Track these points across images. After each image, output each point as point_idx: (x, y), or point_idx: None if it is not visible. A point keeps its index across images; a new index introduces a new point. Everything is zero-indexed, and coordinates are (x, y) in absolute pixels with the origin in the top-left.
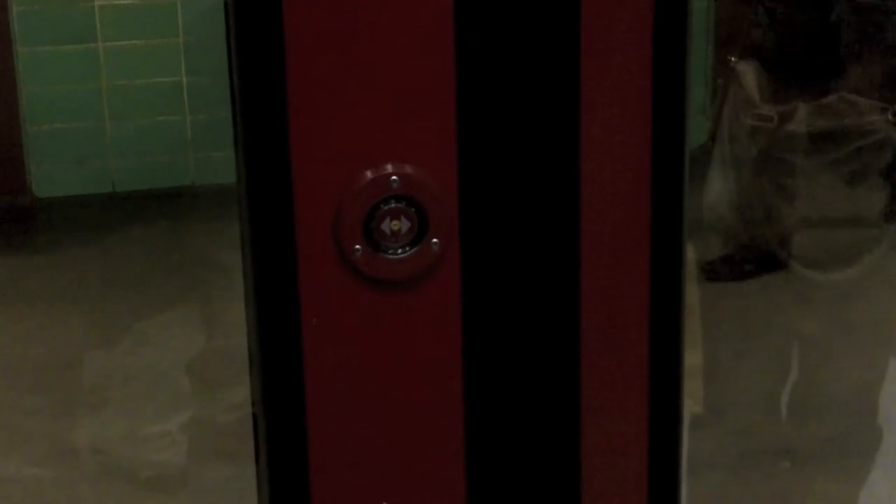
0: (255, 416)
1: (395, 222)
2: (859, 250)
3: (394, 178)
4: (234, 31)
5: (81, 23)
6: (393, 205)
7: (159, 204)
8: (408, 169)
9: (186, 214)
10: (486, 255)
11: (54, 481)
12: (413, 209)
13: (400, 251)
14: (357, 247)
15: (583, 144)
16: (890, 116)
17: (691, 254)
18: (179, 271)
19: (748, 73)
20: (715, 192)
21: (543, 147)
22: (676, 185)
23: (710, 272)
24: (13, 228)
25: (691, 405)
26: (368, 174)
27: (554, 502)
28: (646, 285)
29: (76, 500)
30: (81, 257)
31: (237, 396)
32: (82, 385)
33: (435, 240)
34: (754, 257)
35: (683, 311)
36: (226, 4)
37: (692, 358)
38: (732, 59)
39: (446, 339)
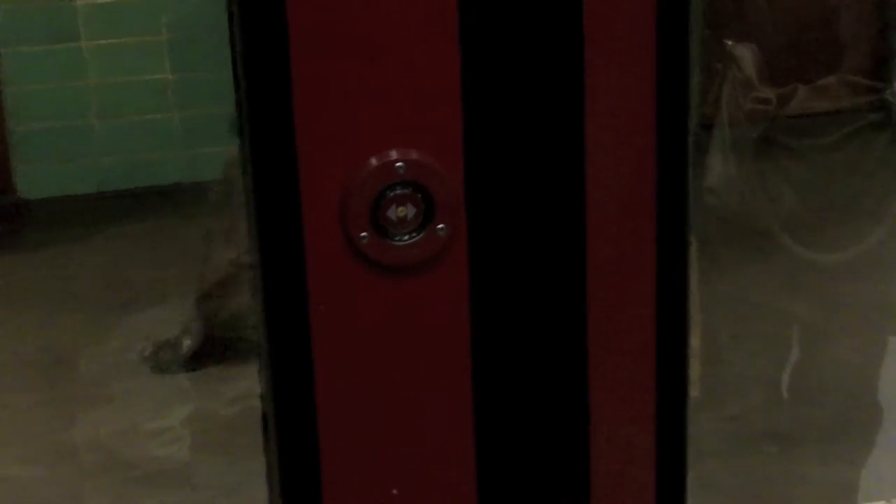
0: (263, 405)
1: (401, 209)
2: (858, 232)
3: (399, 164)
4: (237, 18)
5: (64, 22)
6: (399, 191)
7: (148, 201)
8: (413, 155)
9: (175, 211)
10: (492, 241)
11: (52, 479)
12: (419, 195)
13: (407, 237)
14: (364, 234)
15: (588, 129)
16: (889, 97)
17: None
18: (170, 267)
19: (746, 55)
20: (715, 175)
21: (548, 132)
22: (680, 169)
23: None
24: (0, 229)
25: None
26: (374, 161)
27: (563, 484)
28: (651, 270)
29: (75, 498)
30: (71, 256)
31: (236, 390)
32: (76, 382)
33: (441, 226)
34: None
35: (689, 292)
36: None
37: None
38: (729, 42)
39: (454, 324)
